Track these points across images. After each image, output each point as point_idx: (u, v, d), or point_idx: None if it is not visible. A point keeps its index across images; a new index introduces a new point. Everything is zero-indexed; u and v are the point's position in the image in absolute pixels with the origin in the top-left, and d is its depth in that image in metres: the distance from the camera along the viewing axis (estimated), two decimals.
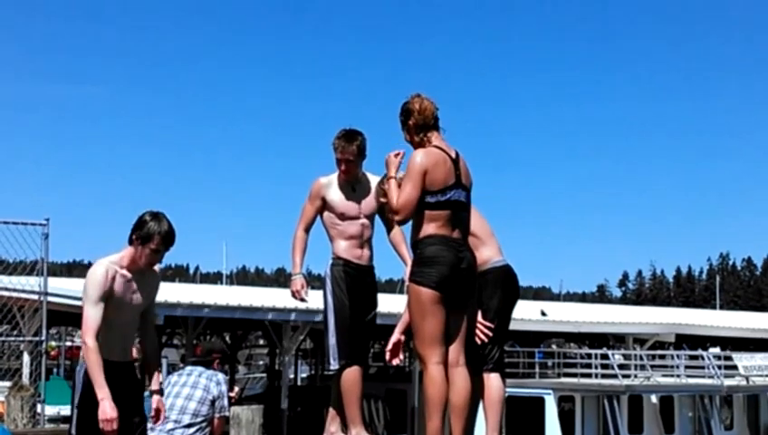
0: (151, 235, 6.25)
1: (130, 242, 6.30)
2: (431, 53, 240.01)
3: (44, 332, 15.25)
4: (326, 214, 7.08)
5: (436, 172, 6.02)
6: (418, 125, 6.18)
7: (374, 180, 7.04)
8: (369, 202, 7.07)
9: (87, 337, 6.06)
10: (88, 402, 6.11)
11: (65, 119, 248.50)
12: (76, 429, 6.20)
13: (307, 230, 7.12)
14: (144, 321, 6.51)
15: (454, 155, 6.14)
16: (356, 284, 6.99)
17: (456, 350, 6.08)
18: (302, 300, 7.04)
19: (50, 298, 16.16)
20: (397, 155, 6.28)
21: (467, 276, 6.06)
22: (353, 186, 7.06)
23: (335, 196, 7.04)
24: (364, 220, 7.06)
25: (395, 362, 6.61)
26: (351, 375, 6.90)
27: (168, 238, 6.35)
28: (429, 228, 6.01)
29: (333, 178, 7.10)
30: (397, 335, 6.60)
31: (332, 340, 6.89)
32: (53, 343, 53.65)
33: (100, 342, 6.09)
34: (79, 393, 6.25)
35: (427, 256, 5.98)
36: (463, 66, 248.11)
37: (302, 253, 7.12)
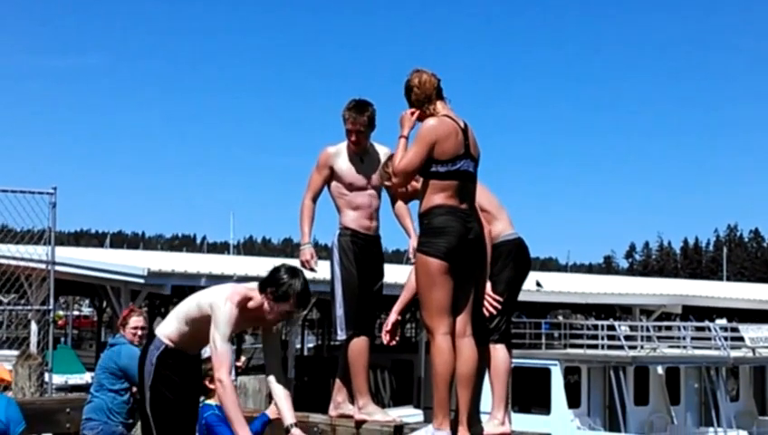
0: (288, 296, 5.97)
1: (261, 290, 6.04)
2: (438, 20, 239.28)
3: (52, 301, 15.26)
4: (334, 184, 7.05)
5: (447, 142, 5.99)
6: (420, 99, 6.15)
7: (382, 152, 7.01)
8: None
9: (222, 374, 5.80)
10: (161, 383, 6.11)
11: (73, 89, 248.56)
12: (151, 408, 6.14)
13: (314, 200, 7.10)
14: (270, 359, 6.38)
15: (463, 125, 6.11)
16: (363, 254, 6.98)
17: (463, 320, 6.07)
18: (312, 270, 7.02)
19: (57, 267, 16.16)
20: (413, 113, 6.24)
21: (475, 247, 6.03)
22: (362, 156, 7.03)
23: (343, 166, 7.01)
24: (372, 191, 7.03)
25: (393, 343, 6.56)
26: (358, 345, 6.89)
27: (304, 301, 6.09)
28: (437, 198, 5.99)
29: (342, 148, 7.06)
30: (394, 316, 6.54)
31: (340, 310, 6.88)
32: (61, 313, 53.81)
33: (191, 334, 6.09)
34: (151, 376, 6.15)
35: (435, 226, 5.95)
36: (470, 32, 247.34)
37: (310, 223, 7.09)
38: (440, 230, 5.93)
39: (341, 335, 6.91)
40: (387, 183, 6.52)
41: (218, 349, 5.79)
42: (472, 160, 6.09)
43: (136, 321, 8.73)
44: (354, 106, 6.96)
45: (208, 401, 7.22)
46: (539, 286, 19.51)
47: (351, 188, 6.99)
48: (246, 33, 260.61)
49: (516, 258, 6.57)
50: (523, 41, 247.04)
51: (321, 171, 7.05)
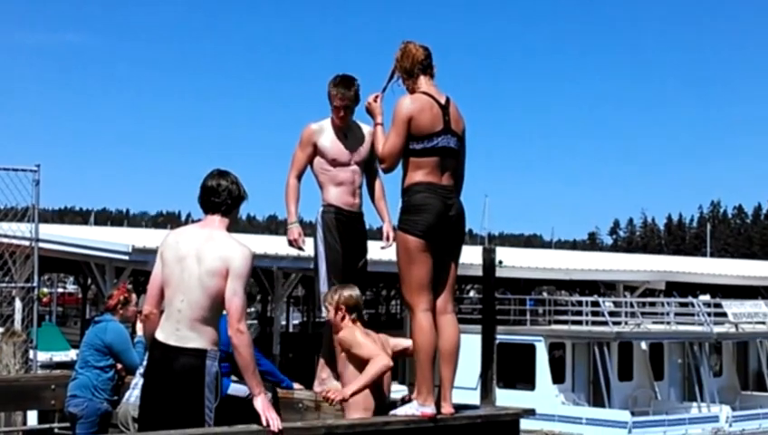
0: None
1: (226, 213, 5.72)
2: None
3: (36, 278, 15.21)
4: (317, 160, 7.04)
5: (421, 118, 5.97)
6: (405, 71, 6.14)
7: (366, 129, 7.01)
8: (361, 149, 7.05)
9: (244, 325, 5.48)
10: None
11: (56, 66, 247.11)
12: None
13: (299, 178, 7.08)
14: None
15: (443, 101, 6.08)
16: (347, 231, 6.98)
17: (444, 297, 6.09)
18: (300, 248, 7.02)
19: (42, 244, 16.11)
20: (375, 99, 6.30)
21: (455, 224, 6.04)
22: (345, 132, 7.03)
23: (327, 142, 7.00)
24: (355, 167, 7.02)
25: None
26: None
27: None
28: (417, 175, 5.98)
29: (325, 125, 7.05)
30: (350, 390, 6.20)
31: (324, 287, 6.89)
32: (45, 290, 53.79)
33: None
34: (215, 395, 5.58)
35: (414, 203, 5.96)
36: (454, 11, 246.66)
37: (296, 201, 7.08)
38: (419, 208, 5.93)
39: (326, 312, 6.92)
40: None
41: (243, 299, 5.51)
42: (453, 136, 6.06)
43: (136, 299, 8.69)
44: (341, 82, 6.94)
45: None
46: (500, 264, 19.50)
47: (335, 163, 6.98)
48: (227, 9, 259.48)
49: None
50: (505, 14, 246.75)
51: (305, 148, 7.03)
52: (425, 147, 5.97)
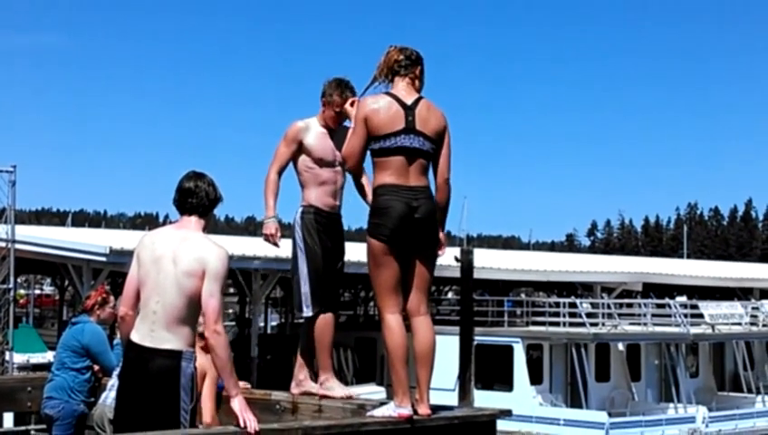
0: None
1: (204, 214, 5.76)
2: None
3: (12, 279, 15.17)
4: (301, 158, 7.01)
5: (376, 117, 5.97)
6: (381, 72, 6.17)
7: (350, 130, 7.00)
8: None
9: (221, 325, 5.48)
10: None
11: (32, 67, 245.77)
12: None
13: (280, 173, 7.03)
14: None
15: (410, 101, 6.07)
16: (326, 232, 6.96)
17: (416, 299, 6.08)
18: (275, 245, 7.00)
19: (18, 246, 16.07)
20: (352, 104, 6.37)
21: (422, 225, 6.00)
22: (331, 133, 7.01)
23: (312, 140, 6.96)
24: (339, 168, 7.00)
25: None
26: (323, 322, 6.90)
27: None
28: (383, 177, 5.98)
29: (311, 123, 7.02)
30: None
31: (305, 287, 6.87)
32: (22, 291, 53.49)
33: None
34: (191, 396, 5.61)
35: (377, 206, 5.96)
36: (443, 17, 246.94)
37: (275, 196, 7.04)
38: (381, 211, 5.93)
39: (307, 312, 6.90)
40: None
41: (220, 300, 5.53)
42: (418, 136, 6.04)
43: (114, 301, 8.66)
44: (339, 84, 6.92)
45: None
46: (457, 261, 19.45)
47: (321, 163, 6.94)
48: (206, 11, 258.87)
49: None
50: (482, 18, 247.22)
51: (290, 145, 7.00)
52: (382, 146, 5.96)
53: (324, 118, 7.01)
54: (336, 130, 7.02)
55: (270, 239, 6.96)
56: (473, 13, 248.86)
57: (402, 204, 5.91)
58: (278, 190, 7.05)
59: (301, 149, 6.98)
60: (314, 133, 6.97)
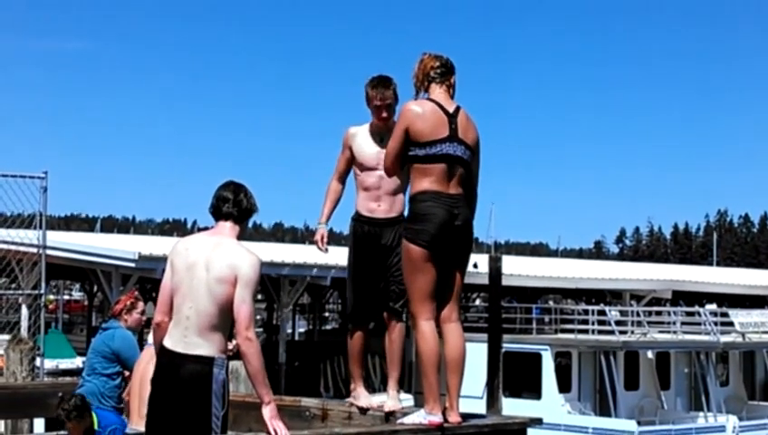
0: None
1: (239, 220, 5.74)
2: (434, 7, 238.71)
3: (43, 285, 15.23)
4: (354, 165, 6.96)
5: (419, 124, 5.97)
6: (419, 81, 6.17)
7: None
8: None
9: (252, 332, 5.49)
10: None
11: (63, 72, 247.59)
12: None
13: (340, 181, 6.96)
14: None
15: (452, 109, 6.08)
16: (367, 238, 6.71)
17: (449, 306, 6.09)
18: (321, 250, 6.96)
19: (48, 251, 16.13)
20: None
21: (461, 233, 6.01)
22: (382, 136, 6.75)
23: (357, 145, 6.82)
24: (382, 172, 6.72)
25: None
26: (353, 334, 6.90)
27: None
28: (423, 183, 5.97)
29: (363, 129, 6.87)
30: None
31: (349, 294, 6.90)
32: (52, 297, 53.80)
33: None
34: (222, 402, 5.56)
35: (418, 212, 5.95)
36: (468, 19, 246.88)
37: (332, 204, 6.99)
38: (423, 217, 5.92)
39: (351, 320, 6.93)
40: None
41: (251, 307, 5.52)
42: (461, 144, 6.03)
43: (143, 307, 8.70)
44: (379, 83, 6.74)
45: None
46: (475, 267, 19.41)
47: (362, 168, 6.79)
48: (236, 16, 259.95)
49: None
50: (512, 21, 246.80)
51: (344, 152, 6.91)
52: (427, 153, 5.97)
53: (373, 121, 6.87)
54: (387, 133, 6.81)
55: (317, 245, 7.00)
56: (501, 12, 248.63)
57: (444, 211, 5.91)
58: (338, 198, 7.02)
59: (352, 155, 6.92)
60: (360, 138, 6.88)
